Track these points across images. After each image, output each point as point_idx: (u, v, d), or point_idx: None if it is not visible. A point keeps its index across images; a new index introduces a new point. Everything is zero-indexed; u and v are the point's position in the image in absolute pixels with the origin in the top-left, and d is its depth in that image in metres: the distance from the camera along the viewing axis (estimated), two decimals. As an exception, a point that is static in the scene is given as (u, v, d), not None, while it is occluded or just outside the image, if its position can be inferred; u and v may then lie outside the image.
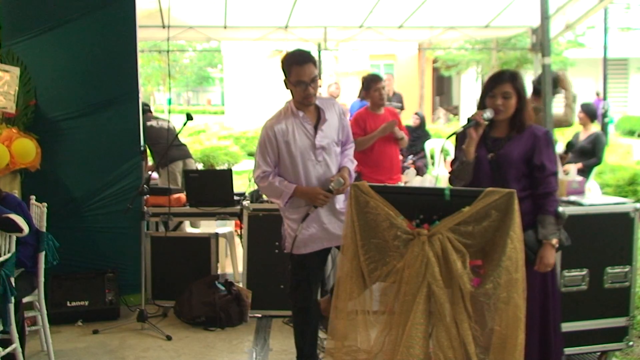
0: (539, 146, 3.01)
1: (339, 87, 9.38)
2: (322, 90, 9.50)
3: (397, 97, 9.06)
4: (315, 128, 3.38)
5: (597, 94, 20.70)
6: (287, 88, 3.38)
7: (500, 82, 3.04)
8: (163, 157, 6.05)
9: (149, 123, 6.22)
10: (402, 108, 8.75)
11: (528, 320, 2.52)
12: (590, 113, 6.70)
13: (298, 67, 3.24)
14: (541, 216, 2.98)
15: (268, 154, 3.38)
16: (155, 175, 6.07)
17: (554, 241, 2.96)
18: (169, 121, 6.28)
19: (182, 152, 6.31)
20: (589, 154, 6.44)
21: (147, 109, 6.57)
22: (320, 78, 8.98)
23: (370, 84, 4.99)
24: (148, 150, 6.39)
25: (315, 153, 3.35)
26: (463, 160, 3.09)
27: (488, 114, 3.03)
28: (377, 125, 4.85)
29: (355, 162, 3.60)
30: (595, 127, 6.86)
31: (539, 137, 3.03)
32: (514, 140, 3.06)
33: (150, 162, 6.44)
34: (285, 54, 3.38)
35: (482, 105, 3.14)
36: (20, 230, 3.28)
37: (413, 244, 2.48)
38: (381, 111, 4.99)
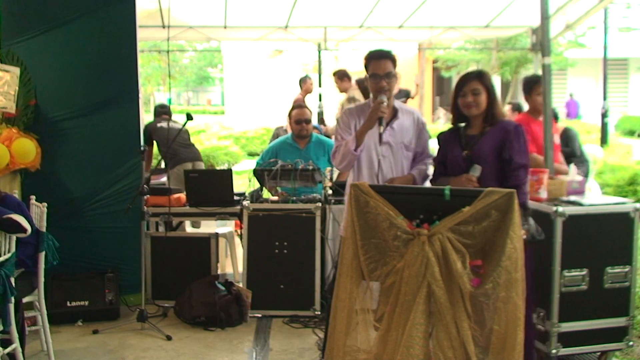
0: (509, 139, 3.13)
1: (312, 82, 8.62)
2: (296, 87, 9.20)
3: (403, 93, 8.97)
4: (387, 125, 3.44)
5: (571, 95, 20.73)
6: (366, 83, 3.52)
7: (468, 81, 3.21)
8: (171, 159, 6.04)
9: (159, 124, 6.22)
10: (405, 102, 8.67)
11: None
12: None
13: (375, 62, 3.44)
14: None
15: (342, 134, 3.49)
16: (164, 179, 6.02)
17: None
18: (187, 117, 6.19)
19: (192, 154, 6.29)
20: (567, 154, 6.42)
21: (162, 111, 6.54)
22: (320, 78, 8.90)
23: (533, 86, 4.49)
24: (157, 151, 6.37)
25: (382, 148, 3.40)
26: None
27: (477, 172, 3.14)
28: (537, 134, 4.32)
29: (426, 176, 3.57)
30: (562, 125, 6.83)
31: (509, 131, 3.15)
32: (486, 137, 3.19)
33: (154, 163, 6.43)
34: (369, 51, 3.54)
35: (454, 107, 3.29)
36: (24, 230, 3.28)
37: (413, 244, 2.48)
38: (541, 117, 4.43)
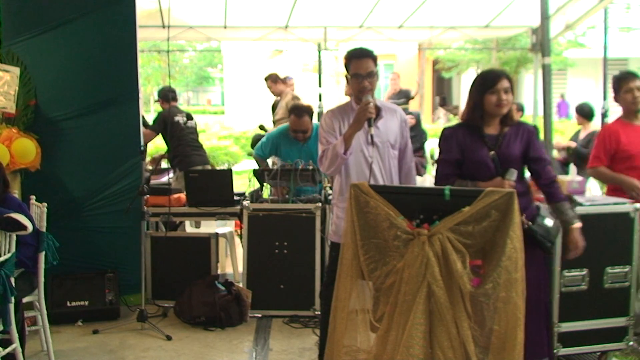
0: (532, 140, 3.19)
1: (293, 82, 8.53)
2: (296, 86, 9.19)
3: (403, 93, 8.95)
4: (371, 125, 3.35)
5: (562, 96, 20.75)
6: (348, 83, 3.46)
7: (500, 78, 3.12)
8: (181, 160, 6.00)
9: (175, 118, 6.15)
10: (406, 102, 8.63)
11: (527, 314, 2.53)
12: (584, 113, 6.68)
13: (356, 61, 3.34)
14: (556, 204, 3.19)
15: (327, 138, 3.40)
16: (164, 179, 6.01)
17: (579, 224, 3.19)
18: (187, 117, 6.02)
19: (202, 158, 6.25)
20: (585, 155, 6.41)
21: (171, 96, 6.32)
22: (320, 78, 8.88)
23: (621, 83, 3.91)
24: (166, 147, 6.33)
25: (368, 149, 3.33)
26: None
27: (514, 177, 3.10)
28: (635, 139, 3.86)
29: (412, 171, 3.53)
30: (593, 126, 6.80)
31: (531, 132, 3.22)
32: (509, 137, 3.17)
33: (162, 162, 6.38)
34: (348, 50, 3.44)
35: (476, 105, 3.14)
36: (25, 227, 3.27)
37: (413, 244, 2.48)
38: (638, 120, 3.96)
